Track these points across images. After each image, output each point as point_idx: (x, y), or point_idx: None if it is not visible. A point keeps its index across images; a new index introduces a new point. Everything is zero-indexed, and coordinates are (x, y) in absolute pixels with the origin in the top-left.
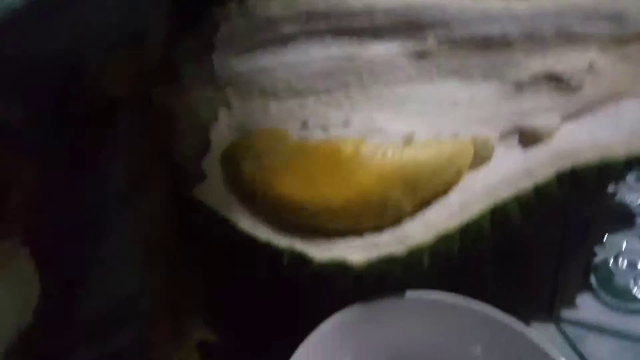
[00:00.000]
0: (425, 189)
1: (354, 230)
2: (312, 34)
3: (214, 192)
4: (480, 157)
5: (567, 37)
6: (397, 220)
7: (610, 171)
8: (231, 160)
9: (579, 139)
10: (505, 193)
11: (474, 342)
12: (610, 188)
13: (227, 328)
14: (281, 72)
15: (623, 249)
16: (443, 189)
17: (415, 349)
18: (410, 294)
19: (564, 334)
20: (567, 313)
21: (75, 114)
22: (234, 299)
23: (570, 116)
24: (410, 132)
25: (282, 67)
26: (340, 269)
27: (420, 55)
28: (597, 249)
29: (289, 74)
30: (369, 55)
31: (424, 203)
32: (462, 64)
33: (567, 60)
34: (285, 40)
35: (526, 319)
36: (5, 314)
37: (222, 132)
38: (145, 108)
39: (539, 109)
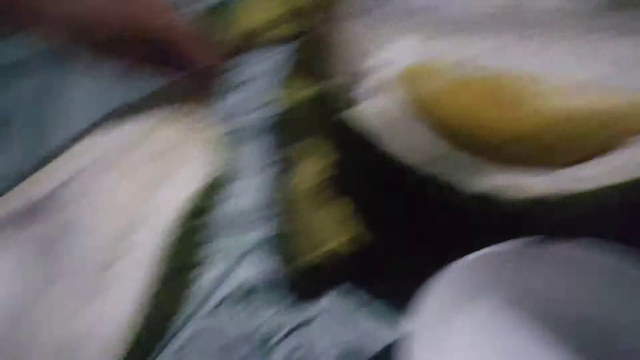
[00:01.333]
0: (590, 143)
1: (509, 166)
2: None
3: (366, 117)
4: None
5: None
6: (554, 166)
7: None
8: (409, 82)
9: None
10: None
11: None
12: None
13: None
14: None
15: None
16: (610, 146)
17: (558, 309)
18: (558, 243)
19: None
20: None
21: None
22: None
23: None
24: (585, 80)
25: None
26: (487, 203)
27: (590, 14)
28: None
29: (456, 13)
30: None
31: (585, 157)
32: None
33: None
34: None
35: None
36: None
37: (379, 63)
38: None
39: None
